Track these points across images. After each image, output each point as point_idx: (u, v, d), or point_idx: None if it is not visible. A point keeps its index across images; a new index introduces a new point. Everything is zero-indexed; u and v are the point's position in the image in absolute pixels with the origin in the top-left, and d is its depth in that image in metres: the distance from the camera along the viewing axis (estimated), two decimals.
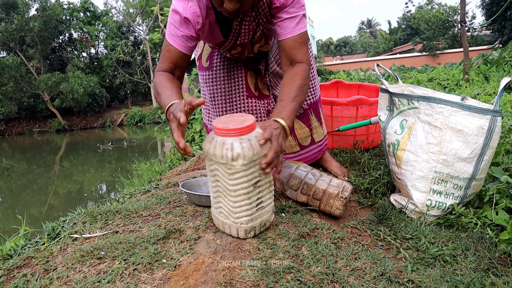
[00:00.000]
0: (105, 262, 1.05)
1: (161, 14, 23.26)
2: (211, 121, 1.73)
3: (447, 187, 1.49)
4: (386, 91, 1.65)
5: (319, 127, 1.82)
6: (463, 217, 1.46)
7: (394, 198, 1.62)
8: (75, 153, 14.80)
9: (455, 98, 1.60)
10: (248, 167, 1.06)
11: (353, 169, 1.95)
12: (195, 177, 2.03)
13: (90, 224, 1.35)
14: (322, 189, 1.35)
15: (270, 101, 1.70)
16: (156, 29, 26.24)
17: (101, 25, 27.96)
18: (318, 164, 1.90)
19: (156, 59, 30.67)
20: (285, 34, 1.35)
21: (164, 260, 1.02)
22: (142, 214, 1.38)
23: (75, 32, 26.55)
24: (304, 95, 1.33)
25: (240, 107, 1.67)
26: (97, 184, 9.57)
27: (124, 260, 1.04)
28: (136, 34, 29.54)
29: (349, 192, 1.36)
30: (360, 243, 1.25)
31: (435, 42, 28.24)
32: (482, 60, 10.88)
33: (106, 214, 1.43)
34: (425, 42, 27.43)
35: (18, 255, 1.26)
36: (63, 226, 1.39)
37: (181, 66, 1.41)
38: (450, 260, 1.23)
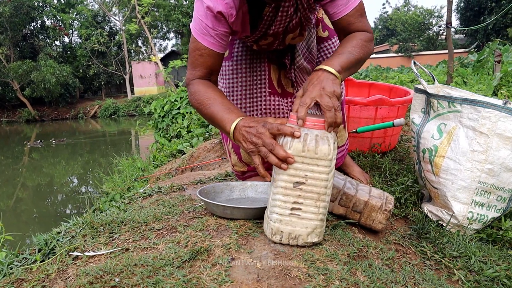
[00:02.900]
0: None
1: (139, 5, 22.64)
2: None
3: (490, 199, 1.37)
4: (423, 91, 1.50)
5: (343, 129, 1.66)
6: (509, 232, 1.34)
7: (428, 209, 1.48)
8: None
9: (496, 101, 1.48)
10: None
11: (373, 174, 1.80)
12: (201, 180, 1.83)
13: (92, 238, 1.14)
14: (363, 200, 1.19)
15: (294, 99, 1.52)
16: (133, 19, 25.47)
17: (75, 14, 26.97)
18: (338, 169, 1.74)
19: (133, 51, 29.93)
20: (339, 13, 1.18)
21: None
22: (154, 227, 1.18)
23: (48, 20, 25.51)
24: (362, 53, 1.16)
25: (260, 105, 1.48)
26: (69, 177, 9.15)
27: None
28: (111, 24, 28.69)
29: (392, 204, 1.21)
30: (410, 263, 1.10)
31: (410, 44, 28.83)
32: (459, 63, 11.06)
33: (109, 225, 1.22)
34: (401, 43, 27.96)
35: (4, 276, 1.04)
36: (58, 240, 1.17)
37: (217, 71, 1.27)
38: (508, 282, 1.10)
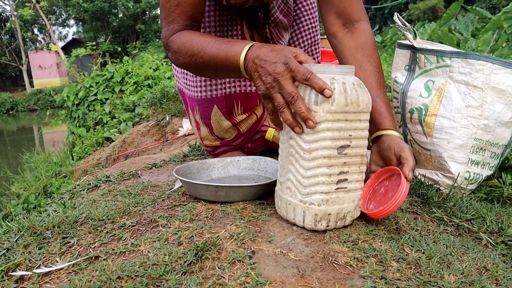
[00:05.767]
0: None
1: None
2: (189, 84, 1.26)
3: (485, 156, 1.30)
4: (408, 46, 1.38)
5: None
6: (509, 187, 1.28)
7: (420, 173, 1.38)
8: None
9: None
10: (335, 118, 0.75)
11: None
12: (155, 164, 1.53)
13: (40, 249, 0.82)
14: (369, 162, 1.03)
15: None
16: (27, 4, 22.78)
17: None
18: None
19: (28, 39, 26.90)
20: None
21: None
22: (124, 224, 0.89)
23: None
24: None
25: None
26: None
27: None
28: (0, 9, 25.42)
29: None
30: (436, 231, 0.97)
31: None
32: None
33: (59, 227, 0.90)
34: None
35: None
36: None
37: (199, 20, 1.02)
38: None
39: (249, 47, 0.83)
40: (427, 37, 6.97)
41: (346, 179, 0.78)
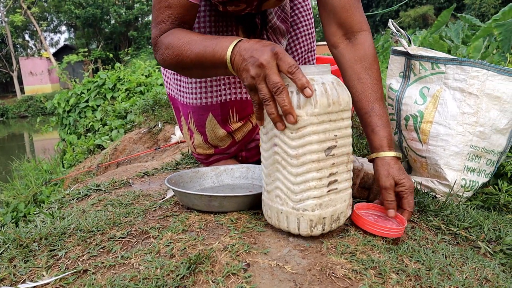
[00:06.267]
0: None
1: None
2: (182, 91, 1.24)
3: (481, 164, 1.29)
4: (403, 53, 1.37)
5: None
6: (505, 195, 1.27)
7: (416, 180, 1.36)
8: None
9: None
10: (319, 120, 0.74)
11: None
12: (147, 172, 1.50)
13: (25, 262, 0.79)
14: (372, 174, 1.01)
15: None
16: (18, 10, 22.66)
17: None
18: None
19: (18, 45, 26.73)
20: None
21: None
22: (115, 235, 0.86)
23: None
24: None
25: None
26: None
27: None
28: None
29: None
30: (434, 240, 0.95)
31: None
32: None
33: (46, 239, 0.87)
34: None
35: None
36: None
37: (190, 24, 1.00)
38: None
39: (237, 42, 0.81)
40: (419, 44, 7.04)
41: (336, 180, 0.78)
